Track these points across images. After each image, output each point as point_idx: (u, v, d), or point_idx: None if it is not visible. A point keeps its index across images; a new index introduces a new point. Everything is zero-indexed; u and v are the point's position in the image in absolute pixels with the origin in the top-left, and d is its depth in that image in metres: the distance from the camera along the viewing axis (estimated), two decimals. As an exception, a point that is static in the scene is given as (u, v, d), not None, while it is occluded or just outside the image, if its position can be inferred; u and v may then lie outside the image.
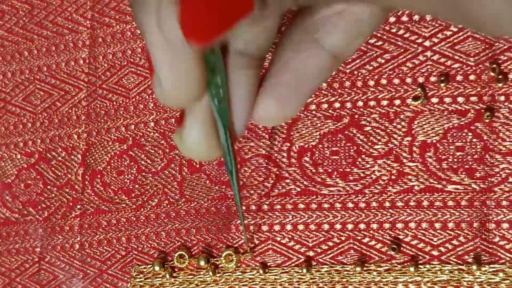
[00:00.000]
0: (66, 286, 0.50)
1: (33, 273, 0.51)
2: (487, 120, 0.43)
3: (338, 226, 0.45)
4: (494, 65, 0.43)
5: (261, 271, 0.45)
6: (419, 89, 0.44)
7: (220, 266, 0.47)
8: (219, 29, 0.26)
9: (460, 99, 0.43)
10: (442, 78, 0.43)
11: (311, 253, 0.46)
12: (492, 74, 0.43)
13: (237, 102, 0.33)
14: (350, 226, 0.45)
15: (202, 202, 0.48)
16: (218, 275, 0.47)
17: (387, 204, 0.44)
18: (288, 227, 0.46)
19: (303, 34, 0.33)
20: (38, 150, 0.51)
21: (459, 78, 0.43)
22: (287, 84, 0.33)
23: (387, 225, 0.44)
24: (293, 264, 0.46)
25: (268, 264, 0.46)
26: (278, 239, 0.46)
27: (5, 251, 0.52)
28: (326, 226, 0.45)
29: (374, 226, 0.45)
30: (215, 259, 0.47)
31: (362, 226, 0.45)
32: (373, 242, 0.45)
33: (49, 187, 0.51)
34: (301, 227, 0.46)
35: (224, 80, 0.31)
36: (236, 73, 0.33)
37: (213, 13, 0.25)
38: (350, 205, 0.45)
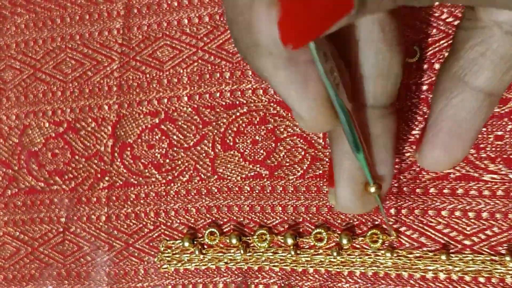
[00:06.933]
0: (91, 258, 0.50)
1: (57, 243, 0.51)
2: None
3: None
4: None
5: (292, 252, 0.45)
6: None
7: (251, 245, 0.47)
8: (318, 30, 0.26)
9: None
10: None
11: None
12: None
13: (380, 151, 0.36)
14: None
15: (235, 180, 0.47)
16: (248, 254, 0.46)
17: (419, 190, 0.44)
18: (313, 209, 0.46)
19: (452, 80, 0.34)
20: (67, 120, 0.51)
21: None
22: (448, 132, 0.35)
23: (417, 212, 0.44)
24: (325, 247, 0.46)
25: (302, 246, 0.46)
26: (308, 218, 0.46)
27: (29, 220, 0.52)
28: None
29: (404, 211, 0.44)
30: (247, 238, 0.47)
31: (392, 211, 0.45)
32: (403, 228, 0.44)
33: (77, 157, 0.51)
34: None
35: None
36: (374, 125, 0.35)
37: (311, 14, 0.25)
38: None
